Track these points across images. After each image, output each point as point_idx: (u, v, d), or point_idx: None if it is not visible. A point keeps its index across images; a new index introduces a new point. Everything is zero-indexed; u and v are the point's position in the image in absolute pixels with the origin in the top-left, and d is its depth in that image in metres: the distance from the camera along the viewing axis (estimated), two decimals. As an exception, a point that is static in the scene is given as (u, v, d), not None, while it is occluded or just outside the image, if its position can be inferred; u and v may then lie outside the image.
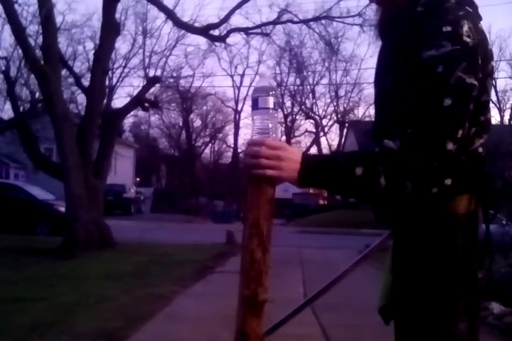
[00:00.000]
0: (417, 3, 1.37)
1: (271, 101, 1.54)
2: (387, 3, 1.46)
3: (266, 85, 1.56)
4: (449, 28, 1.27)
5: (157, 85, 16.61)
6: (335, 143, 38.57)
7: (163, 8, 12.42)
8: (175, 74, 25.21)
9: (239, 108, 39.17)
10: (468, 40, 1.27)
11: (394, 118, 1.35)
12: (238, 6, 12.70)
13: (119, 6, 12.37)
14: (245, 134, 41.88)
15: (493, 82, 32.23)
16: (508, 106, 37.84)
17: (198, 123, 41.32)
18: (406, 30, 1.38)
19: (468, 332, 1.33)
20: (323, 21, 15.86)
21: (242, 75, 38.25)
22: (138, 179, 37.26)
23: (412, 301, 1.37)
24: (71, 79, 13.75)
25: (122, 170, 28.81)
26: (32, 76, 11.80)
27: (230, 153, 41.92)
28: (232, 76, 38.46)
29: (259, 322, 1.45)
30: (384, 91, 1.44)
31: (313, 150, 41.78)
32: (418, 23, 1.33)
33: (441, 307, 1.33)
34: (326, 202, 36.20)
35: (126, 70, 24.21)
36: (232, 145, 40.75)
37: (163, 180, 43.53)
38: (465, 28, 1.27)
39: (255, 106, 1.55)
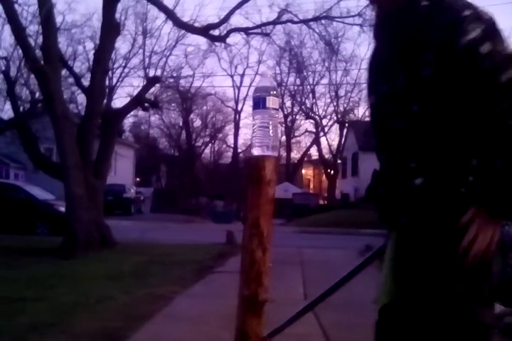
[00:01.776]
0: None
1: (272, 101, 1.54)
2: (389, 1, 1.49)
3: (267, 85, 1.56)
4: (467, 12, 1.34)
5: (157, 85, 16.63)
6: (335, 143, 38.57)
7: (163, 8, 12.41)
8: (175, 74, 25.25)
9: (239, 108, 39.17)
10: (488, 16, 1.36)
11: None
12: (238, 6, 12.69)
13: (119, 6, 12.39)
14: (245, 134, 41.98)
15: None
16: (508, 106, 37.76)
17: (198, 123, 41.36)
18: (414, 26, 1.41)
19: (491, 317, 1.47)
20: (323, 21, 15.89)
21: (242, 75, 38.28)
22: (138, 179, 37.27)
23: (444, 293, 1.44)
24: (71, 79, 13.76)
25: (122, 170, 28.81)
26: (32, 76, 11.82)
27: (230, 153, 41.95)
28: (232, 76, 38.48)
29: (259, 322, 1.45)
30: (395, 91, 1.46)
31: (314, 150, 41.88)
32: (429, 17, 1.38)
33: (470, 295, 1.44)
34: (326, 202, 36.19)
35: (126, 70, 24.23)
36: (232, 145, 40.75)
37: (163, 180, 43.53)
38: (478, 8, 1.36)
39: (256, 105, 1.55)
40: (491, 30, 1.34)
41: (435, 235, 1.45)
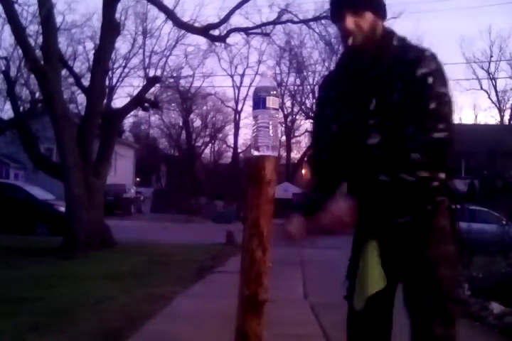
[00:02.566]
0: (392, 40, 1.83)
1: (272, 101, 1.54)
2: (367, 39, 1.79)
3: (267, 85, 1.56)
4: (428, 53, 1.77)
5: (157, 85, 16.61)
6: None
7: (163, 8, 12.41)
8: (175, 74, 25.17)
9: (239, 108, 39.12)
10: (439, 59, 1.79)
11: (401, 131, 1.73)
12: (238, 6, 12.69)
13: (119, 6, 12.38)
14: (245, 134, 41.92)
15: (493, 82, 31.47)
16: (508, 106, 37.80)
17: (198, 123, 41.31)
18: (387, 60, 1.79)
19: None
20: (323, 21, 15.84)
21: (242, 75, 38.23)
22: (138, 179, 37.25)
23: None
24: (71, 79, 13.75)
25: (122, 170, 28.81)
26: (32, 76, 11.81)
27: (230, 153, 41.90)
28: (232, 76, 38.43)
29: (259, 322, 1.45)
30: (368, 114, 1.79)
31: (313, 150, 41.77)
32: (399, 54, 1.78)
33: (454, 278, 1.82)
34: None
35: (126, 70, 24.19)
36: (232, 145, 40.72)
37: (163, 180, 43.51)
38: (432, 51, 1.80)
39: (256, 105, 1.55)
40: (440, 68, 1.76)
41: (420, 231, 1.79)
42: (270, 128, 1.53)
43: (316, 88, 36.72)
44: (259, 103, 1.54)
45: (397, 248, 1.79)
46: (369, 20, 1.79)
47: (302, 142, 42.28)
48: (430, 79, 1.71)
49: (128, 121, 35.77)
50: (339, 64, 1.98)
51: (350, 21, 1.78)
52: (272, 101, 1.54)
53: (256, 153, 1.53)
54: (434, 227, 1.79)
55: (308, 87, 37.31)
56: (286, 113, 38.28)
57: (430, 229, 1.78)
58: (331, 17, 1.90)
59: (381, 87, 1.77)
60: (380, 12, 1.83)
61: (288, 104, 38.58)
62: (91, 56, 14.79)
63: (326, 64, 35.89)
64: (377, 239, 1.80)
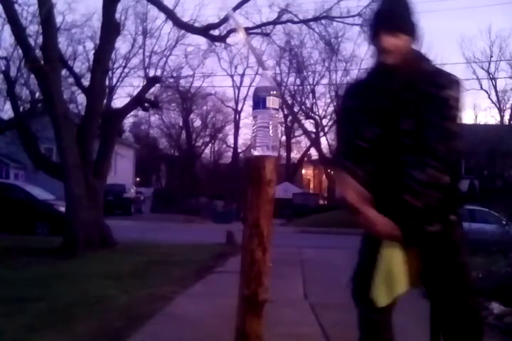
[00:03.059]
0: (423, 63, 2.02)
1: (272, 101, 1.54)
2: (403, 63, 1.94)
3: (267, 85, 1.56)
4: (455, 78, 2.00)
5: (157, 85, 16.62)
6: (335, 143, 38.45)
7: (163, 8, 12.41)
8: (175, 74, 25.18)
9: (239, 108, 39.17)
10: (462, 83, 2.02)
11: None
12: (238, 6, 12.68)
13: (119, 6, 12.37)
14: (245, 134, 41.92)
15: (493, 82, 31.49)
16: (508, 106, 37.79)
17: (198, 123, 41.34)
18: (421, 82, 1.96)
19: None
20: (323, 21, 15.84)
21: (242, 75, 38.27)
22: (138, 179, 37.24)
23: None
24: (71, 79, 13.73)
25: (122, 170, 28.80)
26: (32, 76, 11.80)
27: (230, 153, 41.93)
28: (232, 76, 38.46)
29: (259, 322, 1.45)
30: (405, 131, 1.95)
31: (313, 150, 41.87)
32: (432, 77, 1.96)
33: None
34: (326, 202, 36.17)
35: (126, 70, 24.21)
36: (232, 145, 40.73)
37: (163, 180, 43.51)
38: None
39: (256, 105, 1.55)
40: (462, 92, 1.97)
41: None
42: (270, 128, 1.53)
43: (316, 88, 36.66)
44: (259, 103, 1.54)
45: (429, 255, 1.98)
46: (404, 41, 1.95)
47: (302, 142, 42.32)
48: (453, 102, 1.93)
49: (128, 121, 35.81)
50: (369, 78, 2.11)
51: (387, 40, 1.93)
52: (271, 101, 1.54)
53: (256, 153, 1.53)
54: (460, 235, 2.05)
55: (308, 87, 37.34)
56: (286, 113, 38.29)
57: (457, 237, 2.03)
58: (369, 35, 2.04)
59: (416, 109, 1.93)
60: (415, 35, 2.00)
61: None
62: (91, 56, 14.80)
63: (326, 64, 35.98)
64: (408, 246, 1.94)
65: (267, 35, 16.30)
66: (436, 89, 1.92)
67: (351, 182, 1.88)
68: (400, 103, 1.95)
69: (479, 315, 2.08)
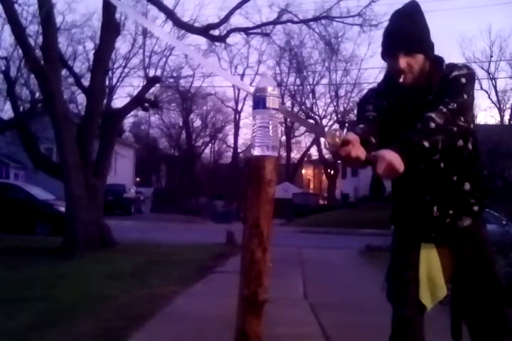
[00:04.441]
0: (440, 69, 2.03)
1: (272, 101, 1.54)
2: (419, 80, 1.98)
3: (267, 85, 1.56)
4: (461, 64, 2.07)
5: (157, 85, 16.60)
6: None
7: (163, 8, 12.41)
8: (175, 74, 25.20)
9: (239, 108, 39.17)
10: (472, 69, 2.08)
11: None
12: (238, 6, 12.69)
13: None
14: (245, 134, 41.92)
15: (493, 82, 31.47)
16: (508, 106, 37.79)
17: (198, 123, 41.35)
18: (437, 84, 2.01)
19: None
20: (323, 21, 15.86)
21: (242, 75, 38.19)
22: (138, 179, 37.24)
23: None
24: (71, 79, 13.74)
25: (122, 170, 28.79)
26: (32, 76, 11.81)
27: (230, 153, 41.94)
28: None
29: (259, 322, 1.45)
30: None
31: (313, 150, 41.88)
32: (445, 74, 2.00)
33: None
34: (326, 202, 36.18)
35: (126, 70, 24.19)
36: (232, 145, 40.73)
37: (163, 180, 43.50)
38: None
39: (256, 105, 1.55)
40: (471, 74, 2.00)
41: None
42: (270, 128, 1.53)
43: (316, 88, 36.60)
44: (259, 103, 1.54)
45: (460, 252, 1.99)
46: (420, 61, 1.96)
47: (302, 142, 42.33)
48: (463, 79, 1.94)
49: (128, 121, 35.80)
50: (388, 88, 2.09)
51: (403, 61, 1.93)
52: (271, 102, 1.54)
53: (256, 153, 1.53)
54: (486, 232, 2.06)
55: (308, 87, 37.37)
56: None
57: (485, 233, 2.05)
58: (383, 54, 2.03)
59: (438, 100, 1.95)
60: (430, 53, 2.01)
61: (288, 104, 38.58)
62: (91, 56, 14.78)
63: (326, 64, 36.00)
64: (442, 244, 1.97)
65: (267, 35, 16.32)
66: (446, 76, 1.96)
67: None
68: (423, 105, 1.95)
69: (507, 316, 2.05)
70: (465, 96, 1.90)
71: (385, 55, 2.01)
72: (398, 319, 1.99)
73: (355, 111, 2.22)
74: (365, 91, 2.29)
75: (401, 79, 1.95)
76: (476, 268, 2.00)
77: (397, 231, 2.11)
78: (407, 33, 1.94)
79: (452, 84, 1.93)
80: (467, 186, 1.99)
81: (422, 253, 1.97)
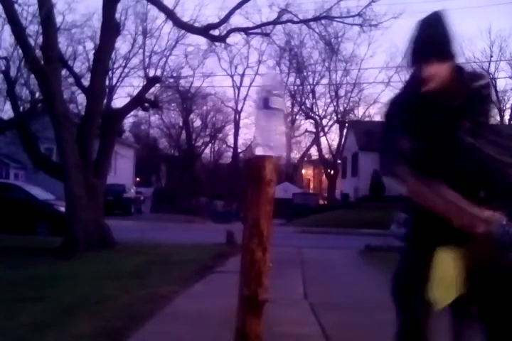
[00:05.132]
0: (462, 76, 2.04)
1: (275, 101, 1.54)
2: (443, 87, 2.00)
3: (270, 85, 1.56)
4: (485, 73, 2.19)
5: (157, 85, 16.61)
6: (335, 143, 38.55)
7: (163, 8, 12.40)
8: (175, 74, 25.24)
9: (239, 108, 39.16)
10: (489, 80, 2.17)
11: None
12: (238, 6, 12.68)
13: (119, 6, 12.37)
14: (245, 134, 41.92)
15: (494, 82, 31.91)
16: (508, 106, 37.81)
17: (198, 123, 41.32)
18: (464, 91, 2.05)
19: None
20: (323, 21, 15.85)
21: (242, 75, 38.24)
22: (138, 179, 37.24)
23: None
24: (71, 79, 13.74)
25: (122, 170, 28.79)
26: (32, 76, 11.80)
27: (230, 153, 41.91)
28: (232, 76, 38.43)
29: (259, 322, 1.45)
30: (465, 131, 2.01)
31: (314, 150, 41.89)
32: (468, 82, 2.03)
33: None
34: (326, 202, 36.17)
35: (126, 70, 24.28)
36: (232, 145, 40.72)
37: (163, 180, 43.50)
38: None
39: (260, 105, 1.55)
40: (489, 83, 2.08)
41: None
42: (272, 128, 1.54)
43: (316, 88, 36.66)
44: (261, 103, 1.54)
45: (476, 254, 1.98)
46: (446, 69, 2.00)
47: (302, 142, 42.32)
48: (486, 91, 2.03)
49: (128, 121, 35.84)
50: (411, 97, 2.11)
51: (429, 70, 1.98)
52: (275, 102, 1.54)
53: (256, 153, 1.53)
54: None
55: (308, 87, 37.36)
56: (286, 113, 38.29)
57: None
58: (408, 61, 2.07)
59: (466, 111, 2.00)
60: (456, 60, 2.05)
61: (288, 104, 38.60)
62: (91, 56, 14.81)
63: (326, 64, 36.00)
64: (460, 245, 1.98)
65: (267, 35, 16.31)
66: (473, 88, 2.00)
67: (440, 188, 1.93)
68: (451, 112, 2.01)
69: None
70: (488, 107, 2.05)
71: (410, 63, 2.06)
72: (406, 320, 2.00)
73: (382, 123, 2.26)
74: (385, 105, 2.28)
75: (427, 87, 1.99)
76: (494, 270, 2.01)
77: (410, 233, 2.13)
78: (436, 41, 2.01)
79: (478, 97, 2.00)
80: (482, 193, 2.03)
81: (436, 254, 1.99)
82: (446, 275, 1.96)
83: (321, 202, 36.43)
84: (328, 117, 38.50)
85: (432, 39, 2.01)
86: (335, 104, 37.48)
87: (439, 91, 2.00)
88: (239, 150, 39.72)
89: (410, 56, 2.04)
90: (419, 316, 1.99)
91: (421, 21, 2.05)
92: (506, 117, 37.47)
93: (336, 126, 38.50)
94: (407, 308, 2.01)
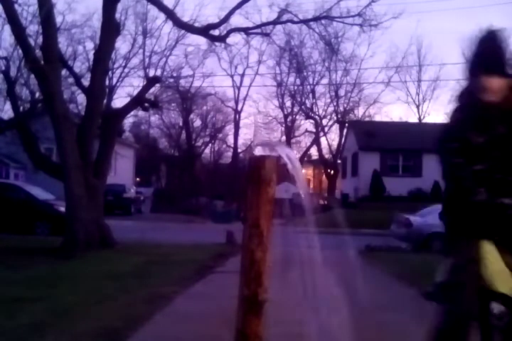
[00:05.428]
0: None
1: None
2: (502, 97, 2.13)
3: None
4: None
5: (157, 85, 16.62)
6: (335, 143, 38.55)
7: (163, 8, 12.41)
8: (175, 74, 25.23)
9: (239, 108, 39.13)
10: None
11: None
12: (238, 6, 12.68)
13: (119, 6, 12.37)
14: (245, 134, 41.91)
15: None
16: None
17: (198, 123, 41.26)
18: None
19: None
20: (323, 21, 15.84)
21: (242, 75, 38.18)
22: (138, 179, 37.22)
23: None
24: (71, 79, 13.74)
25: (122, 170, 28.78)
26: (32, 76, 11.80)
27: (230, 153, 41.86)
28: (232, 76, 38.39)
29: (259, 322, 1.45)
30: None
31: (314, 150, 41.89)
32: None
33: None
34: (326, 202, 36.15)
35: (126, 70, 24.26)
36: (232, 145, 40.69)
37: (163, 180, 43.47)
38: None
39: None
40: None
41: None
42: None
43: (316, 88, 36.62)
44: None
45: None
46: (506, 82, 2.14)
47: (302, 142, 42.30)
48: None
49: (128, 121, 35.78)
50: (473, 110, 2.19)
51: (491, 81, 2.12)
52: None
53: (257, 153, 1.53)
54: None
55: (308, 87, 37.33)
56: (286, 113, 38.27)
57: None
58: (472, 71, 2.23)
59: None
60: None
61: (288, 104, 38.60)
62: (91, 56, 14.81)
63: (326, 64, 35.97)
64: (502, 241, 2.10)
65: (267, 35, 16.30)
66: None
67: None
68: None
69: None
70: None
71: (475, 74, 2.20)
72: (450, 321, 2.06)
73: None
74: (445, 127, 2.40)
75: (487, 97, 2.11)
76: None
77: (455, 231, 2.26)
78: (497, 56, 2.19)
79: None
80: None
81: (484, 251, 2.12)
82: (499, 267, 2.13)
83: (321, 202, 36.41)
84: (328, 117, 38.48)
85: (493, 54, 2.19)
86: (335, 104, 37.46)
87: (500, 101, 2.12)
88: (239, 150, 39.70)
89: (475, 69, 2.21)
90: (469, 314, 2.08)
91: (488, 37, 2.25)
92: None
93: (336, 126, 38.48)
94: (460, 304, 2.07)
